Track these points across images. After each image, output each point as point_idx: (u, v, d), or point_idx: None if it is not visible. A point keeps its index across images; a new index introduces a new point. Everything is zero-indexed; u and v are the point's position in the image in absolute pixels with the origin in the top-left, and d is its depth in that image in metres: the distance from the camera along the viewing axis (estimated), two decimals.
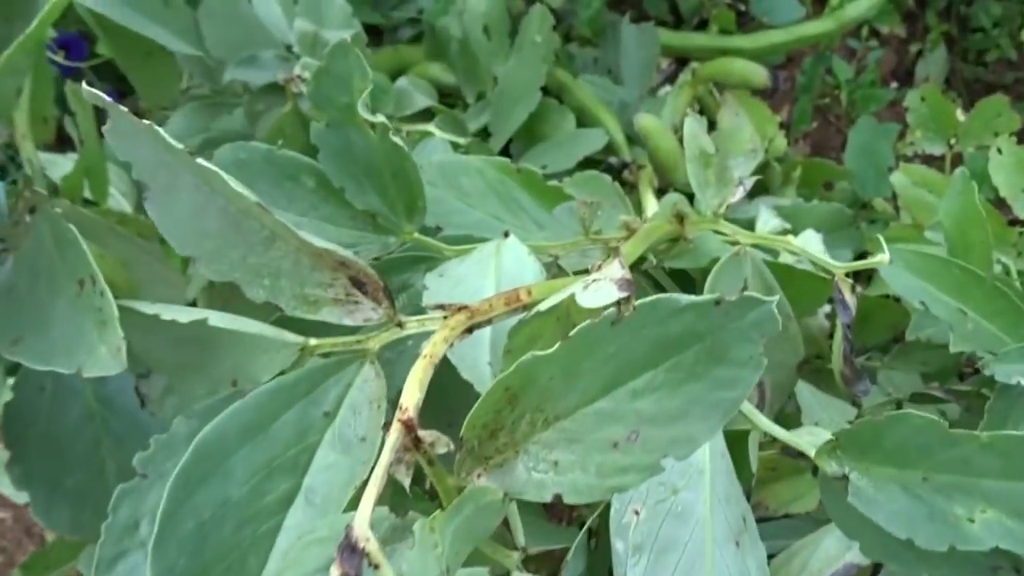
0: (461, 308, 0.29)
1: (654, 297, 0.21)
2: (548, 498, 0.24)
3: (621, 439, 0.23)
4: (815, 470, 0.36)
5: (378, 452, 0.28)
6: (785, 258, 0.55)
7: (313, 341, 0.32)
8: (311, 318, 0.30)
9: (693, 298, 0.21)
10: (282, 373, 0.33)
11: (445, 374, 0.31)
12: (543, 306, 0.32)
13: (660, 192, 0.82)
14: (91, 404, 0.43)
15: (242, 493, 0.28)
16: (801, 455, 0.36)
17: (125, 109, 0.26)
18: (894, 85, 1.31)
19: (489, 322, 0.30)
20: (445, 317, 0.29)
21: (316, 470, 0.29)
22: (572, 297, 0.31)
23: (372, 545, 0.21)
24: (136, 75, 0.54)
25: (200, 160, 0.27)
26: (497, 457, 0.25)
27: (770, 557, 0.35)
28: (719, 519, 0.29)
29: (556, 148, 0.83)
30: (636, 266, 0.54)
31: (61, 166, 0.57)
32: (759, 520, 0.34)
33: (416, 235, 0.44)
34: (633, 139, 0.90)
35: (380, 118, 0.39)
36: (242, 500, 0.28)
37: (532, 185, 0.54)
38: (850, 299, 0.44)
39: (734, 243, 0.55)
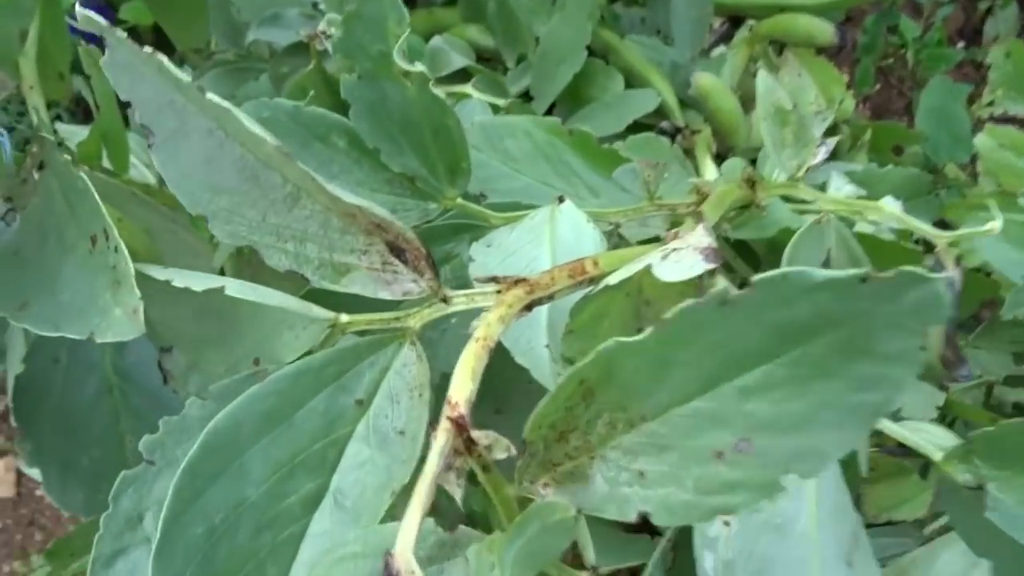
0: (518, 281, 0.25)
1: (778, 272, 0.16)
2: (632, 517, 0.19)
3: (727, 448, 0.18)
4: (923, 471, 0.31)
5: (421, 450, 0.24)
6: (862, 228, 0.50)
7: (345, 317, 0.27)
8: (342, 290, 0.26)
9: (831, 273, 0.16)
10: (309, 353, 0.29)
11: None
12: (613, 279, 0.27)
13: (718, 158, 0.76)
14: (109, 377, 0.40)
15: (260, 493, 0.24)
16: (907, 453, 0.31)
17: (124, 34, 0.22)
18: (960, 45, 1.23)
19: (551, 298, 0.26)
20: (499, 292, 0.25)
21: (347, 468, 0.25)
22: (647, 269, 0.26)
23: (414, 571, 0.16)
24: (165, 15, 0.50)
25: (211, 95, 0.22)
26: (567, 464, 0.20)
27: None
28: (827, 535, 0.25)
29: (604, 110, 0.77)
30: None
31: (80, 136, 0.53)
32: None
33: (459, 201, 0.39)
34: (685, 102, 0.84)
35: (419, 67, 0.34)
36: (260, 501, 0.24)
37: (585, 148, 0.49)
38: (954, 273, 0.39)
39: (807, 212, 0.49)
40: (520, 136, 0.50)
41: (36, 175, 0.37)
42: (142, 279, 0.30)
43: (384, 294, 0.26)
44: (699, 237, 0.27)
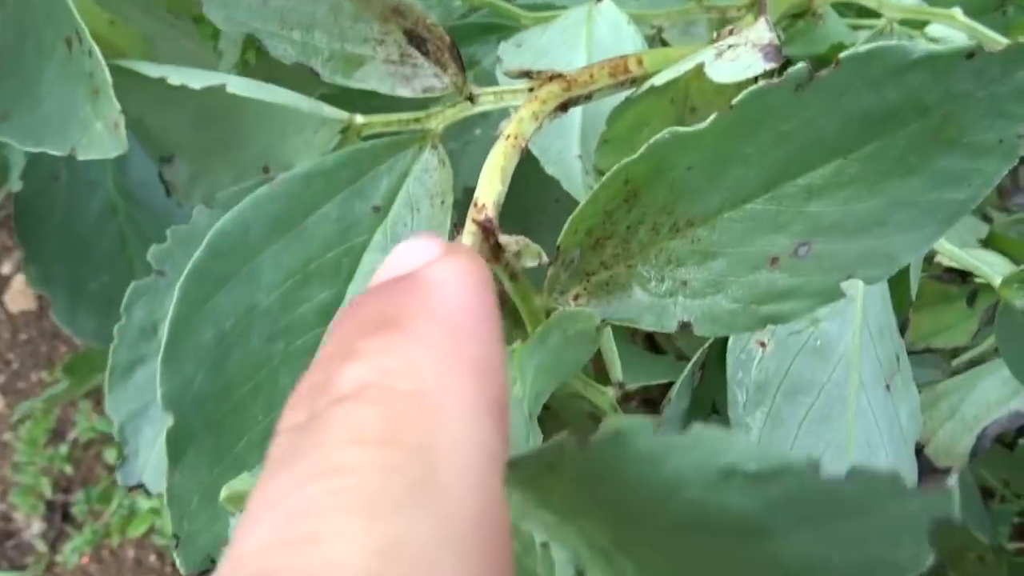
0: (553, 77, 0.22)
1: (873, 47, 0.14)
2: (673, 327, 0.18)
3: (784, 253, 0.16)
4: (971, 298, 0.29)
5: None
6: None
7: (360, 118, 0.25)
8: (356, 86, 0.24)
9: (931, 48, 0.14)
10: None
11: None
12: (658, 80, 0.24)
13: None
14: (113, 196, 0.38)
15: (271, 300, 0.23)
16: (955, 279, 0.29)
17: None
18: None
19: (588, 98, 0.23)
20: (531, 89, 0.22)
21: (363, 278, 0.23)
22: (698, 69, 0.24)
23: None
24: None
25: None
26: (602, 273, 0.18)
27: None
28: (869, 357, 0.23)
29: None
30: None
31: None
32: None
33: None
34: None
35: None
36: (271, 309, 0.23)
37: None
38: None
39: (861, 28, 0.45)
40: None
41: None
42: (134, 80, 0.28)
43: (403, 90, 0.23)
44: (759, 32, 0.24)
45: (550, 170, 0.27)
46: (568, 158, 0.28)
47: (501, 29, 0.36)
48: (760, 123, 0.15)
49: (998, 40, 0.37)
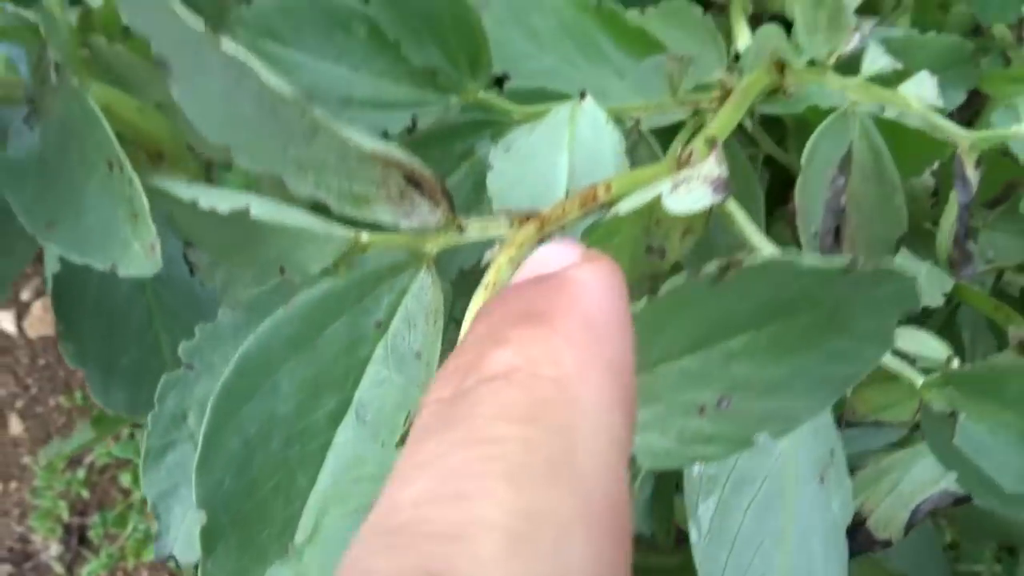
0: (529, 216, 0.26)
1: (767, 259, 0.17)
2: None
3: (709, 404, 0.20)
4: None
5: (432, 372, 0.26)
6: (892, 111, 0.49)
7: (365, 236, 0.29)
8: (363, 218, 0.27)
9: (815, 261, 0.17)
10: (332, 268, 0.30)
11: None
12: (623, 209, 0.28)
13: (753, 19, 0.73)
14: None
15: (289, 409, 0.26)
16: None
17: None
18: None
19: (562, 229, 0.27)
20: (511, 225, 0.26)
21: (367, 387, 0.27)
22: (656, 200, 0.27)
23: None
24: None
25: (226, 42, 0.22)
26: None
27: (856, 470, 0.33)
28: (803, 452, 0.27)
29: None
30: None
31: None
32: (846, 426, 0.32)
33: (481, 95, 0.39)
34: None
35: None
36: (289, 416, 0.26)
37: (613, 26, 0.48)
38: (972, 175, 0.39)
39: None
40: (547, 12, 0.48)
41: (55, 77, 0.36)
42: (160, 191, 0.31)
43: (404, 223, 0.27)
44: (710, 167, 0.27)
45: None
46: None
47: (494, 124, 0.39)
48: (683, 306, 0.19)
49: (948, 129, 0.40)
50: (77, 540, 1.08)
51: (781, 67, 0.47)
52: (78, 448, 0.78)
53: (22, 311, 1.13)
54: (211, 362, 0.32)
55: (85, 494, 1.07)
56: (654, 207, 0.31)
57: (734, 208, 0.29)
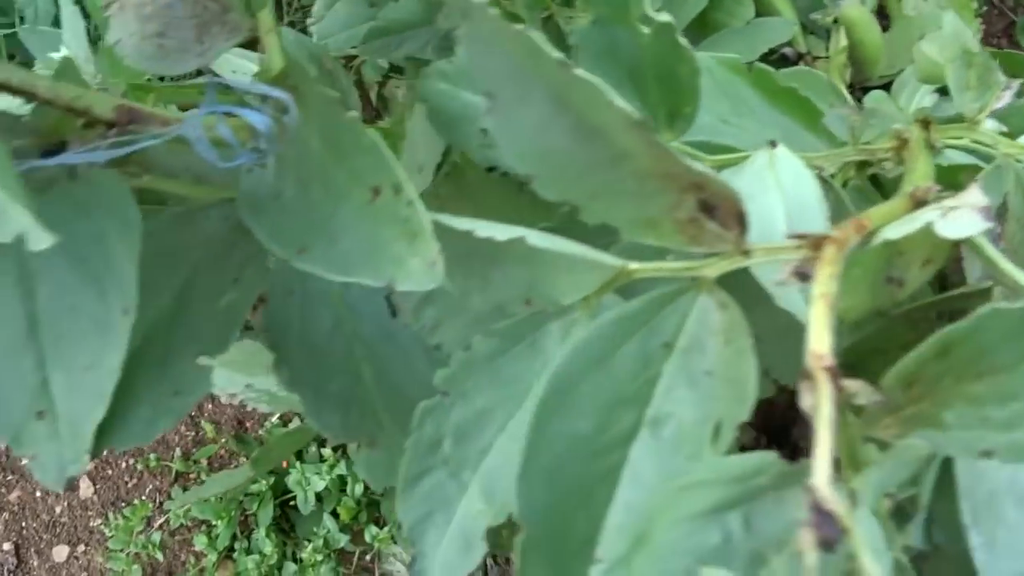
0: (825, 239, 0.27)
1: None
2: (974, 456, 0.22)
3: None
4: None
5: (743, 390, 0.27)
6: None
7: (633, 265, 0.30)
8: (649, 243, 0.29)
9: None
10: (586, 299, 0.31)
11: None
12: (891, 233, 0.29)
13: (848, 87, 0.76)
14: (340, 310, 0.43)
15: (589, 426, 0.27)
16: None
17: (496, 12, 0.24)
18: None
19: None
20: (799, 247, 0.27)
21: (659, 403, 0.28)
22: (927, 227, 0.29)
23: (839, 506, 0.19)
24: None
25: (580, 72, 0.24)
26: (910, 408, 0.23)
27: None
28: None
29: (735, 38, 0.77)
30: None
31: None
32: None
33: (675, 144, 0.41)
34: (807, 28, 0.84)
35: (665, 17, 0.36)
36: (589, 433, 0.27)
37: (764, 86, 0.50)
38: None
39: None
40: (702, 73, 0.51)
41: (286, 118, 0.39)
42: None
43: (693, 249, 0.28)
44: (975, 196, 0.29)
45: (786, 307, 0.31)
46: (794, 294, 0.32)
47: None
48: None
49: None
50: None
51: (927, 124, 0.49)
52: (227, 490, 0.77)
53: None
54: (465, 389, 0.33)
55: (159, 556, 1.05)
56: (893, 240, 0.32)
57: (983, 240, 0.31)
